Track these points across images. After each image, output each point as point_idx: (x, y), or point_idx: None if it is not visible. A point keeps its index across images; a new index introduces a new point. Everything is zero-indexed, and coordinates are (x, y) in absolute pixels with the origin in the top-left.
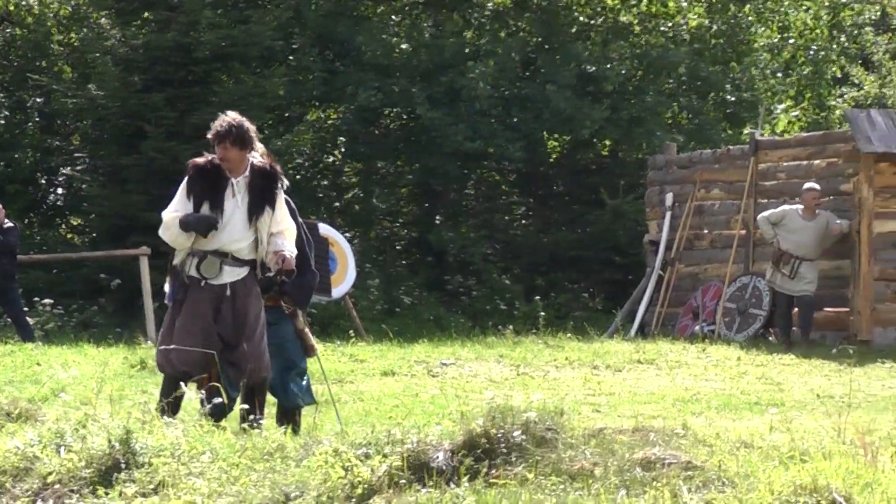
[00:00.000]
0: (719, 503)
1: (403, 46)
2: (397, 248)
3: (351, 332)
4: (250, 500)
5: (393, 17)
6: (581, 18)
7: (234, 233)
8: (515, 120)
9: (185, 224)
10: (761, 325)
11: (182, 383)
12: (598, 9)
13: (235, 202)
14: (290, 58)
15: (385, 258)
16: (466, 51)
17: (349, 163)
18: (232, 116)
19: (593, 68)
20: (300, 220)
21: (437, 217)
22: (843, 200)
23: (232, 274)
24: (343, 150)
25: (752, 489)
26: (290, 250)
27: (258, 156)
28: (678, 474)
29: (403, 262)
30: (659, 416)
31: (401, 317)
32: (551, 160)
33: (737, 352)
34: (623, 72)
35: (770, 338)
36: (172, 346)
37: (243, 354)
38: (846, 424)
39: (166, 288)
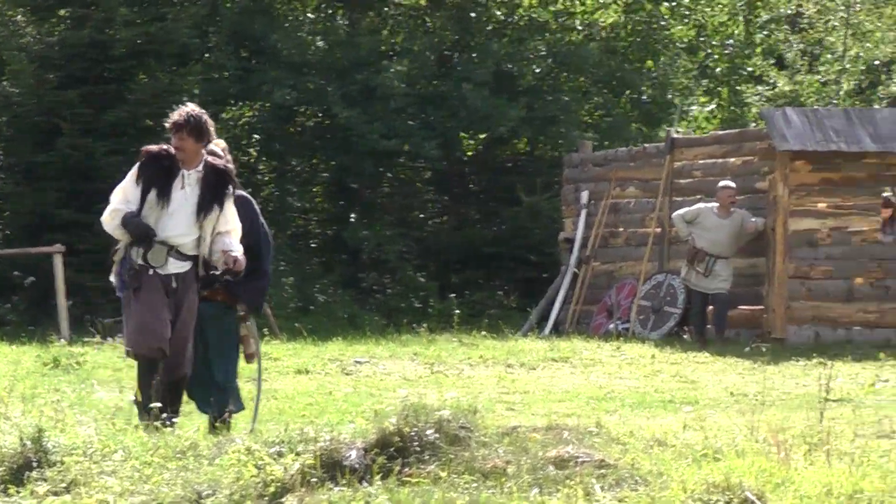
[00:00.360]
0: (632, 501)
1: (319, 44)
2: (312, 245)
3: (265, 330)
4: (162, 499)
5: (308, 15)
6: (497, 16)
7: (179, 226)
8: (431, 118)
9: (125, 223)
10: (676, 323)
11: (159, 362)
12: (514, 6)
13: (184, 194)
14: (206, 55)
15: (300, 256)
16: (382, 49)
17: (264, 161)
18: (191, 107)
19: (509, 66)
20: (262, 220)
21: (352, 215)
22: (758, 198)
23: (176, 266)
24: (258, 148)
25: (664, 487)
26: (238, 250)
27: (219, 150)
28: (591, 472)
29: (318, 260)
30: (573, 415)
31: (315, 315)
32: (467, 158)
33: (651, 350)
34: (538, 70)
35: (684, 336)
36: (142, 326)
37: (176, 353)
38: (760, 423)
39: (112, 279)
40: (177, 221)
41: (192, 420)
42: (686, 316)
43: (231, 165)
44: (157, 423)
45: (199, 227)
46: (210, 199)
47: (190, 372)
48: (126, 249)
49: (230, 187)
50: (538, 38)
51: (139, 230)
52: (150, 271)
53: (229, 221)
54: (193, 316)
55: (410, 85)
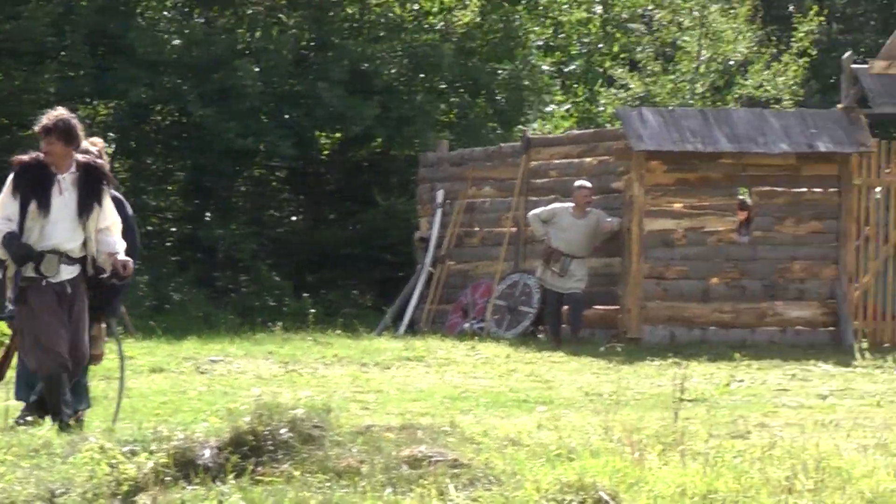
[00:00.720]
0: (486, 501)
1: (175, 43)
2: (167, 244)
3: (120, 328)
4: (15, 497)
5: (165, 13)
6: (353, 15)
7: (64, 231)
8: (287, 117)
9: (5, 245)
10: (531, 322)
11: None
12: (370, 6)
13: (63, 199)
14: (63, 53)
15: (154, 255)
16: (238, 48)
17: (120, 159)
18: (60, 112)
19: (365, 66)
20: (135, 226)
21: (208, 214)
22: (613, 198)
23: (68, 272)
24: (113, 146)
25: (518, 487)
26: (122, 249)
27: (94, 150)
28: (445, 472)
29: (173, 258)
30: (427, 414)
31: (170, 313)
32: (323, 157)
33: (506, 349)
34: (394, 70)
35: (540, 335)
36: (42, 344)
37: (72, 352)
38: (614, 422)
39: (9, 295)
40: (62, 228)
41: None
42: (541, 315)
43: (101, 161)
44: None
45: (84, 229)
46: (88, 198)
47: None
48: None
49: (104, 182)
50: (394, 38)
51: (20, 252)
52: (43, 282)
53: (108, 217)
54: (86, 316)
55: (266, 84)
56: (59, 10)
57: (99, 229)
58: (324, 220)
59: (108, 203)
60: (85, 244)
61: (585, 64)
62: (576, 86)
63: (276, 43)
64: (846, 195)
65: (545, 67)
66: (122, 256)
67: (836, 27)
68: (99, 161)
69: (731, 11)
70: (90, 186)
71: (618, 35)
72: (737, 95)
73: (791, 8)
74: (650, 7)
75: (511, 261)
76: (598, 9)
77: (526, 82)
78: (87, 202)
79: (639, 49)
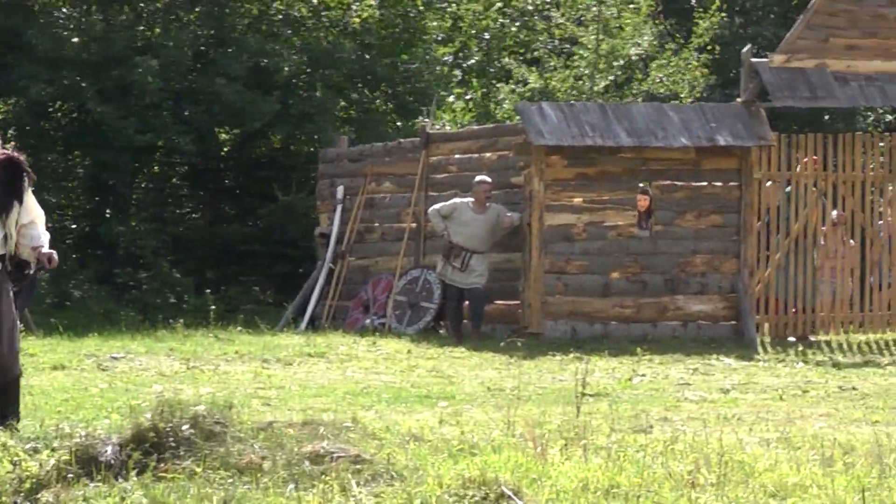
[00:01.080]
0: (388, 496)
1: (74, 40)
2: (67, 241)
3: (21, 325)
4: None
5: (64, 9)
6: (252, 11)
7: None
8: (186, 113)
9: None
10: (432, 318)
11: None
12: (270, 2)
13: None
14: None
15: (55, 252)
16: (137, 44)
17: None
18: None
19: (264, 62)
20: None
21: (108, 210)
22: (514, 193)
23: None
24: (13, 143)
25: (420, 482)
26: (46, 241)
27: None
28: (347, 468)
29: (73, 255)
30: (329, 410)
31: (71, 310)
32: (223, 153)
33: (407, 345)
34: (293, 65)
35: (441, 331)
36: None
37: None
38: (516, 417)
39: None
40: None
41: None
42: (442, 311)
43: (20, 156)
44: None
45: (3, 226)
46: (7, 195)
47: (20, 371)
48: None
49: (24, 177)
50: (293, 34)
51: None
52: None
53: (31, 211)
54: (12, 316)
55: (166, 80)
56: None
57: (23, 224)
58: (224, 217)
59: (29, 198)
60: (6, 241)
61: (483, 59)
62: (474, 81)
63: (175, 39)
64: (747, 189)
65: (446, 58)
66: (46, 249)
67: (738, 21)
68: (15, 155)
69: (632, 6)
70: (9, 184)
71: (514, 29)
72: (637, 91)
73: (693, 2)
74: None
75: (411, 256)
76: (498, 4)
77: (426, 76)
78: (7, 200)
79: (537, 43)
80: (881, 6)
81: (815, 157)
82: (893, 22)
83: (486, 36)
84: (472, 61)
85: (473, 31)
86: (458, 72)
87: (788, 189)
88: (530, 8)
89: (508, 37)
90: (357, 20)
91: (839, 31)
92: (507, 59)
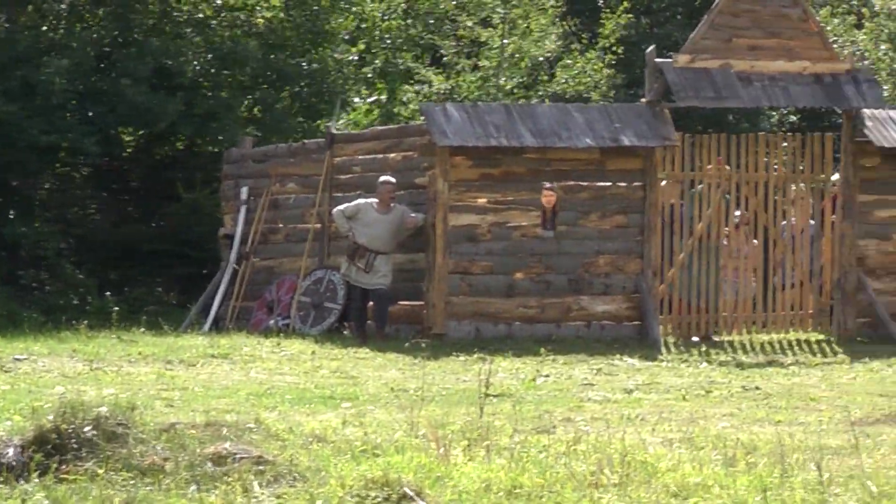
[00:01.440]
0: (290, 497)
1: None
2: None
3: None
4: None
5: None
6: (156, 12)
7: None
8: (91, 114)
9: None
10: (336, 318)
11: None
12: (174, 2)
13: None
14: None
15: None
16: (42, 45)
17: None
18: None
19: (169, 62)
20: None
21: (11, 211)
22: (418, 194)
23: None
24: None
25: (323, 483)
26: None
27: None
28: (249, 469)
29: None
30: (232, 411)
31: None
32: (127, 154)
33: (311, 346)
34: (198, 66)
35: (345, 331)
36: None
37: None
38: (419, 418)
39: None
40: None
41: None
42: (346, 312)
43: None
44: None
45: None
46: None
47: None
48: None
49: None
50: (198, 34)
51: None
52: None
53: None
54: None
55: (70, 80)
56: None
57: None
58: (128, 218)
59: None
60: None
61: (388, 59)
62: (379, 83)
63: (79, 40)
64: (651, 189)
65: (352, 57)
66: None
67: (645, 21)
68: None
69: (539, 8)
70: None
71: (420, 28)
72: (543, 92)
73: (599, 2)
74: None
75: (316, 257)
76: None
77: (331, 76)
78: None
79: (444, 43)
80: (784, 6)
81: (719, 159)
82: (796, 22)
83: (390, 37)
84: (377, 62)
85: (378, 33)
86: (364, 72)
87: (693, 190)
88: (440, 9)
89: (414, 38)
90: (261, 20)
91: (743, 32)
92: (411, 62)
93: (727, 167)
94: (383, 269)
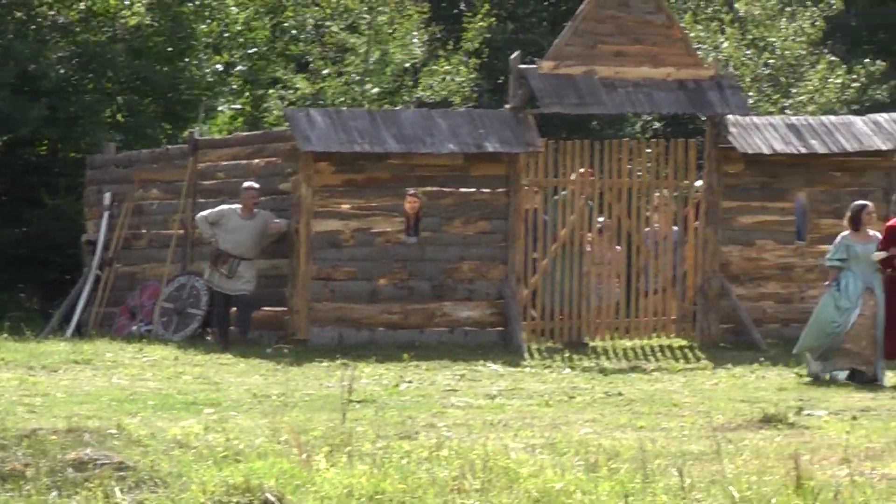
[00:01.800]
0: (151, 503)
1: None
2: None
3: None
4: None
5: None
6: (19, 16)
7: None
8: None
9: None
10: (199, 324)
11: None
12: (37, 7)
13: None
14: None
15: None
16: None
17: None
18: None
19: (32, 67)
20: None
21: None
22: (282, 199)
23: None
24: None
25: (184, 489)
26: None
27: None
28: (111, 475)
29: None
30: (94, 417)
31: None
32: None
33: (174, 351)
34: (62, 71)
35: (208, 337)
36: None
37: None
38: (282, 424)
39: None
40: None
41: None
42: (209, 317)
43: None
44: None
45: None
46: None
47: None
48: None
49: None
50: (63, 39)
51: None
52: None
53: None
54: None
55: None
56: None
57: None
58: None
59: None
60: None
61: (252, 66)
62: (244, 90)
63: None
64: (514, 195)
65: (217, 66)
66: None
67: (511, 27)
68: None
69: (404, 13)
70: None
71: (285, 41)
72: (408, 98)
73: (462, 7)
74: (318, 14)
75: (179, 263)
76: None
77: (195, 82)
78: None
79: (309, 48)
80: (648, 13)
81: (589, 170)
82: (661, 28)
83: (256, 47)
84: (242, 68)
85: (242, 40)
86: (229, 79)
87: (556, 197)
88: (307, 20)
89: (279, 45)
90: (127, 25)
91: (607, 38)
92: (275, 68)
93: (592, 178)
94: (246, 274)
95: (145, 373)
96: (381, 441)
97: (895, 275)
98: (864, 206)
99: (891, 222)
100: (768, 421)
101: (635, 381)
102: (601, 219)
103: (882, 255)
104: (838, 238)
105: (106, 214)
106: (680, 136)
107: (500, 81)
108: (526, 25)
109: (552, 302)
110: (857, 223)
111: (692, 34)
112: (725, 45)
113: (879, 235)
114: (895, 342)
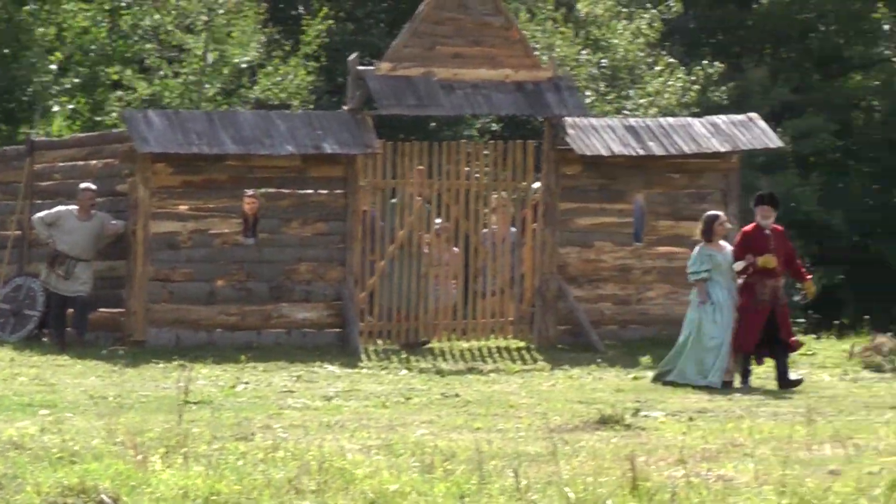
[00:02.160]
0: None
1: None
2: None
3: None
4: None
5: None
6: None
7: None
8: None
9: None
10: (35, 325)
11: None
12: None
13: None
14: None
15: None
16: None
17: None
18: None
19: None
20: None
21: None
22: (119, 201)
23: None
24: None
25: (19, 490)
26: None
27: None
28: None
29: None
30: None
31: None
32: None
33: (10, 353)
34: None
35: (44, 339)
36: None
37: None
38: (118, 426)
39: None
40: None
41: None
42: (46, 319)
43: None
44: None
45: None
46: None
47: None
48: None
49: None
50: None
51: None
52: None
53: None
54: None
55: None
56: None
57: None
58: None
59: None
60: None
61: (90, 71)
62: (79, 93)
63: None
64: (352, 197)
65: (52, 66)
66: None
67: (350, 28)
68: None
69: (241, 14)
70: None
71: (122, 44)
72: (247, 99)
73: (301, 9)
74: (156, 17)
75: (15, 264)
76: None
77: (31, 83)
78: None
79: (146, 48)
80: (487, 15)
81: (421, 168)
82: (498, 30)
83: (93, 50)
84: (80, 69)
85: (79, 43)
86: (64, 81)
87: (393, 200)
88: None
89: (117, 49)
90: None
91: (445, 40)
92: (113, 70)
93: (429, 179)
94: (83, 276)
95: None
96: (217, 442)
97: (750, 280)
98: (717, 217)
99: (745, 228)
100: (605, 422)
101: (472, 382)
102: (439, 220)
103: (742, 264)
104: (696, 250)
105: None
106: (518, 137)
107: (339, 82)
108: (364, 27)
109: (390, 303)
110: (709, 234)
111: (527, 33)
112: (560, 44)
113: (730, 246)
114: (747, 337)
